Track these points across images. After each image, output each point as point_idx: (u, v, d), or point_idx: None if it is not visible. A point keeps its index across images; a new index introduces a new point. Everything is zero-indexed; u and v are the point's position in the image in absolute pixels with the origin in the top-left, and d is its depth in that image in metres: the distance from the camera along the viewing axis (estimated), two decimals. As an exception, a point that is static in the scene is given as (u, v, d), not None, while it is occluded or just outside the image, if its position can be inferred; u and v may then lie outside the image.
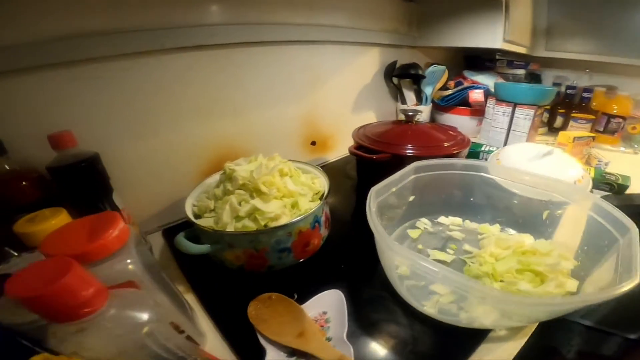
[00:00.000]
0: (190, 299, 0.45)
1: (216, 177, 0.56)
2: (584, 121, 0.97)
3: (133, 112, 0.53)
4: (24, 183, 0.45)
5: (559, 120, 1.02)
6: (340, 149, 0.90)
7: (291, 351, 0.37)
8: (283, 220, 0.44)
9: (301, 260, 0.49)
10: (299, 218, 0.44)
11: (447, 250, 0.52)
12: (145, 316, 0.23)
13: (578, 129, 0.98)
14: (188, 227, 0.45)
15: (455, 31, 0.90)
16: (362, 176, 0.73)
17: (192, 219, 0.46)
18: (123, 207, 0.51)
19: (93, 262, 0.27)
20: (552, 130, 1.03)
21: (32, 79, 0.44)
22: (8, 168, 0.44)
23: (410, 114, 0.67)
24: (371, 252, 0.51)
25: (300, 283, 0.47)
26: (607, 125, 0.94)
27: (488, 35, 0.83)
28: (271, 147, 0.74)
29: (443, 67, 0.91)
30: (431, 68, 0.90)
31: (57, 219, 0.41)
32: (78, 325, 0.20)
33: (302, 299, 0.42)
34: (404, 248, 0.36)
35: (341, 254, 0.53)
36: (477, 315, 0.37)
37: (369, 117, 0.97)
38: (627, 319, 0.39)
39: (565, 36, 1.06)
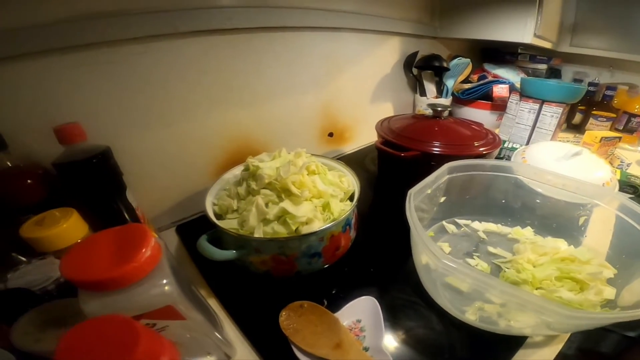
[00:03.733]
0: (213, 304, 0.42)
1: (235, 172, 0.52)
2: (604, 119, 0.95)
3: (145, 100, 0.49)
4: (28, 181, 0.40)
5: (577, 117, 1.00)
6: (358, 141, 0.87)
7: (327, 363, 0.35)
8: (316, 226, 0.40)
9: (329, 265, 0.46)
10: (334, 222, 0.41)
11: (479, 254, 0.50)
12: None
13: (598, 127, 0.95)
14: (205, 226, 0.42)
15: (482, 23, 0.85)
16: (384, 171, 0.70)
17: (215, 220, 0.42)
18: (137, 206, 0.47)
19: (125, 288, 0.23)
20: (570, 127, 1.00)
21: (36, 65, 0.40)
22: (10, 164, 0.40)
23: (439, 109, 0.63)
24: (399, 255, 0.50)
25: (329, 289, 0.45)
26: (627, 124, 0.92)
27: (518, 29, 0.79)
28: (288, 138, 0.70)
29: (467, 60, 0.87)
30: (455, 60, 0.86)
31: (67, 222, 0.37)
32: None
33: (332, 306, 0.40)
34: (459, 262, 0.33)
35: (369, 257, 0.50)
36: (516, 324, 0.36)
37: (387, 109, 0.93)
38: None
39: (591, 32, 1.02)
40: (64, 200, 0.41)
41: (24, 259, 0.39)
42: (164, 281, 0.25)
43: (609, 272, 0.41)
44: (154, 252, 0.24)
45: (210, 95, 0.56)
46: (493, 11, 0.83)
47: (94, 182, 0.41)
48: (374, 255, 0.51)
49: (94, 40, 0.42)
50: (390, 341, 0.37)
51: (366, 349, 0.36)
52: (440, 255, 0.33)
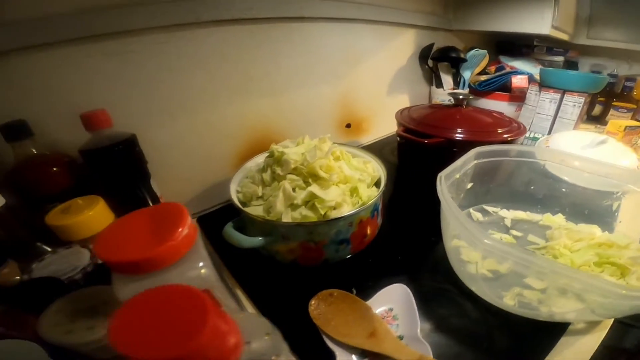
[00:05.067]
0: (239, 294, 0.41)
1: (257, 160, 0.52)
2: (625, 110, 0.92)
3: (167, 90, 0.49)
4: (54, 169, 0.40)
5: (597, 109, 0.97)
6: (375, 132, 0.86)
7: (361, 352, 0.34)
8: (345, 210, 0.39)
9: (356, 253, 0.45)
10: (363, 207, 0.39)
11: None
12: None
13: (619, 118, 0.93)
14: (226, 217, 0.41)
15: (498, 15, 0.84)
16: (405, 161, 0.69)
17: (240, 206, 0.42)
18: (161, 194, 0.47)
19: (162, 270, 0.21)
20: (590, 119, 0.98)
21: (62, 54, 0.40)
22: (35, 152, 0.39)
23: (461, 97, 0.62)
24: (427, 242, 0.49)
25: (357, 277, 0.43)
26: (650, 115, 0.89)
27: (536, 20, 0.78)
28: (306, 129, 0.69)
29: (484, 51, 0.85)
30: (472, 52, 0.85)
31: (94, 210, 0.36)
32: None
33: (361, 294, 0.39)
34: (501, 241, 0.31)
35: (395, 245, 0.49)
36: (559, 309, 0.34)
37: (403, 101, 0.92)
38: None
39: (607, 24, 1.00)
40: (89, 188, 0.41)
41: (48, 248, 0.38)
42: (201, 264, 0.23)
43: (651, 256, 0.39)
44: (190, 232, 0.22)
45: (230, 85, 0.55)
46: (510, 3, 0.82)
47: (119, 169, 0.41)
48: (401, 243, 0.49)
49: (119, 29, 0.42)
50: (424, 330, 0.36)
51: (400, 338, 0.35)
52: (480, 233, 0.31)
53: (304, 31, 0.62)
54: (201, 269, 0.23)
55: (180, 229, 0.21)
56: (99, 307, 0.24)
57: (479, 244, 0.31)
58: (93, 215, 0.36)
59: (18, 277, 0.32)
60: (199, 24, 0.48)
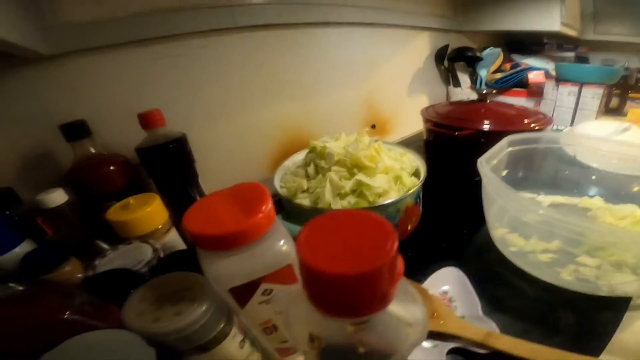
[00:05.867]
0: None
1: (294, 159, 0.53)
2: (642, 100, 0.93)
3: (210, 92, 0.52)
4: (111, 168, 0.42)
5: (614, 102, 0.98)
6: (399, 132, 0.88)
7: (425, 334, 0.34)
8: (393, 195, 0.40)
9: (402, 240, 0.45)
10: (410, 192, 0.41)
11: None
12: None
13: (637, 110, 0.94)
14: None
15: (507, 14, 0.87)
16: (433, 156, 0.70)
17: (288, 197, 0.43)
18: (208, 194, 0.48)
19: (249, 244, 0.21)
20: (609, 111, 0.99)
21: (114, 57, 0.43)
22: (94, 151, 0.41)
23: (485, 92, 0.64)
24: (469, 229, 0.49)
25: (406, 264, 0.43)
26: (668, 104, 0.90)
27: (545, 17, 0.81)
28: (335, 130, 0.70)
29: (499, 49, 0.88)
30: (487, 50, 0.88)
31: (152, 206, 0.38)
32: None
33: (413, 280, 0.39)
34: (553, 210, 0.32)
35: (437, 232, 0.50)
36: (616, 283, 0.34)
37: (422, 101, 0.94)
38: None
39: (612, 19, 1.03)
40: (142, 188, 0.42)
41: (106, 246, 0.39)
42: (282, 241, 0.23)
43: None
44: (272, 210, 0.22)
45: (265, 88, 0.58)
46: (518, 2, 0.85)
47: (172, 166, 0.43)
48: (443, 231, 0.50)
49: (165, 33, 0.45)
50: (484, 311, 0.35)
51: (462, 318, 0.35)
52: (533, 204, 0.32)
53: (330, 36, 0.65)
54: (283, 245, 0.24)
55: (265, 204, 0.22)
56: (183, 293, 0.23)
57: (533, 213, 0.32)
58: (151, 211, 0.38)
59: (80, 275, 0.32)
60: (234, 29, 0.51)
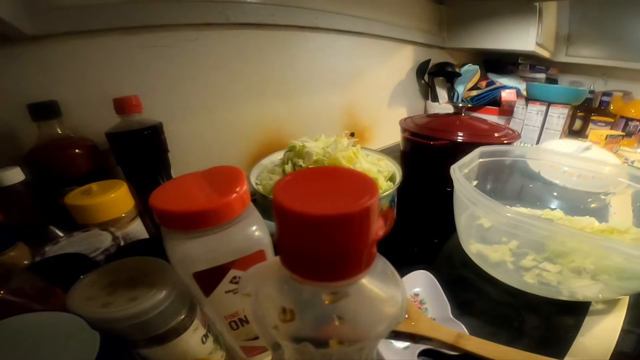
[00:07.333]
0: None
1: (272, 158, 0.53)
2: (603, 124, 1.00)
3: (193, 85, 0.51)
4: (77, 151, 0.40)
5: (578, 124, 1.05)
6: (377, 142, 0.90)
7: (395, 334, 0.34)
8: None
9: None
10: (385, 194, 0.41)
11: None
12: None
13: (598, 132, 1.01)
14: None
15: (487, 33, 0.93)
16: (408, 166, 0.71)
17: (264, 194, 0.42)
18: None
19: (220, 225, 0.20)
20: (572, 133, 1.06)
21: (101, 42, 0.41)
22: (60, 132, 0.39)
23: (461, 105, 0.66)
24: (439, 236, 0.51)
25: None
26: (625, 128, 0.97)
27: (522, 38, 0.87)
28: (315, 134, 0.72)
29: (476, 67, 0.92)
30: (466, 67, 0.92)
31: (116, 192, 0.36)
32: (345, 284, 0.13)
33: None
34: (520, 212, 0.34)
35: (410, 238, 0.51)
36: (576, 287, 0.36)
37: (401, 113, 0.97)
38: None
39: (584, 42, 1.11)
40: (108, 175, 0.40)
41: (61, 233, 0.37)
42: (255, 227, 0.22)
43: (651, 239, 0.42)
44: (246, 194, 0.22)
45: (250, 85, 0.58)
46: (497, 22, 0.90)
47: (144, 154, 0.41)
48: (415, 237, 0.51)
49: (156, 22, 0.44)
50: (453, 314, 0.36)
51: (433, 320, 0.35)
52: (500, 206, 0.33)
53: (318, 40, 0.66)
54: (255, 231, 0.23)
55: (240, 185, 0.21)
56: (142, 278, 0.21)
57: (501, 216, 0.33)
58: (115, 198, 0.36)
59: (27, 262, 0.30)
60: (227, 25, 0.51)
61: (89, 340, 0.16)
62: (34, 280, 0.23)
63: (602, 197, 0.53)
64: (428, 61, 0.93)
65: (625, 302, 0.38)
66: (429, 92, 0.97)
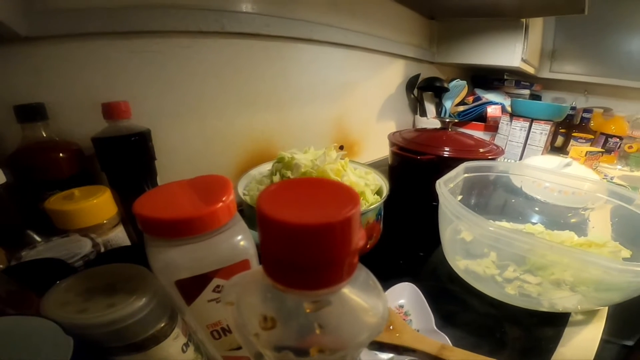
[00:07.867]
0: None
1: (260, 169, 0.53)
2: (584, 140, 1.04)
3: (184, 93, 0.51)
4: (60, 154, 0.40)
5: (559, 140, 1.09)
6: (365, 156, 0.91)
7: (379, 346, 0.34)
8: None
9: (361, 255, 0.46)
10: (372, 207, 0.42)
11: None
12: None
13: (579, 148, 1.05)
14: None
15: (476, 49, 0.96)
16: (395, 180, 0.73)
17: (251, 204, 0.42)
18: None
19: (205, 234, 0.20)
20: (554, 149, 1.10)
21: (92, 46, 0.41)
22: (45, 135, 0.39)
23: (447, 120, 0.68)
24: (424, 249, 0.52)
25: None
26: (605, 145, 1.01)
27: (508, 54, 0.90)
28: (304, 146, 0.72)
29: (464, 82, 0.95)
30: (453, 82, 0.95)
31: (99, 198, 0.35)
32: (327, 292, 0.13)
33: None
34: (502, 226, 0.35)
35: (396, 251, 0.51)
36: (558, 300, 0.37)
37: (390, 127, 0.99)
38: (623, 325, 0.39)
39: (568, 58, 1.17)
40: (91, 181, 0.40)
41: (38, 238, 0.36)
42: (240, 236, 0.22)
43: (627, 252, 0.44)
44: (232, 203, 0.22)
45: (241, 95, 0.58)
46: (486, 38, 0.94)
47: (131, 160, 0.41)
48: (401, 250, 0.52)
49: (150, 28, 0.45)
50: (437, 325, 0.36)
51: (417, 331, 0.36)
52: (483, 220, 0.34)
53: (311, 52, 0.68)
54: (240, 241, 0.23)
55: (227, 194, 0.21)
56: (121, 285, 0.21)
57: (483, 230, 0.34)
58: (97, 203, 0.35)
59: (2, 266, 0.29)
60: (221, 34, 0.52)
61: (62, 345, 0.16)
62: (8, 284, 0.22)
63: (582, 212, 0.55)
64: (418, 75, 0.96)
65: (604, 312, 0.39)
66: (417, 107, 1.00)
